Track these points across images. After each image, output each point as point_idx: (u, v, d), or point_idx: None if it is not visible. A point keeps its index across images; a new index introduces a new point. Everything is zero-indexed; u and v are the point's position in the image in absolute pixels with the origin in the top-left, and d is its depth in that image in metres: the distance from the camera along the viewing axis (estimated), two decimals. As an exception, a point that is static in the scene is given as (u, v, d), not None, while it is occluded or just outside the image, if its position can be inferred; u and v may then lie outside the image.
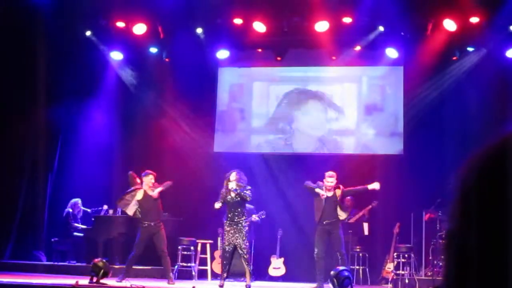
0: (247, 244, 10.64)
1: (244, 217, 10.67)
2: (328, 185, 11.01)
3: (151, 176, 11.42)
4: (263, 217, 12.52)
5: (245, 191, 10.59)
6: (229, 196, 10.65)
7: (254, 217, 12.66)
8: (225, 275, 10.76)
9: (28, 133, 13.76)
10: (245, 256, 10.56)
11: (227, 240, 10.59)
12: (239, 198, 10.58)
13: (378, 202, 13.18)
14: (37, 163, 14.01)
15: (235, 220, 10.59)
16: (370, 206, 13.26)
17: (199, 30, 13.85)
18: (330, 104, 14.74)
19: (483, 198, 0.98)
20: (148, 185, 11.32)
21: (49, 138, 14.26)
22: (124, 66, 14.95)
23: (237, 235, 10.52)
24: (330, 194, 10.99)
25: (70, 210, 13.63)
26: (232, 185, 10.62)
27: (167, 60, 14.60)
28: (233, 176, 10.71)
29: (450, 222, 1.03)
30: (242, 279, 11.66)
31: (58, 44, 13.66)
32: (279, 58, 14.61)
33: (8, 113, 13.39)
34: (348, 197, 13.39)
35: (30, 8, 12.95)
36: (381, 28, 13.31)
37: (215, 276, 12.92)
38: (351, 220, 13.19)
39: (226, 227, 10.69)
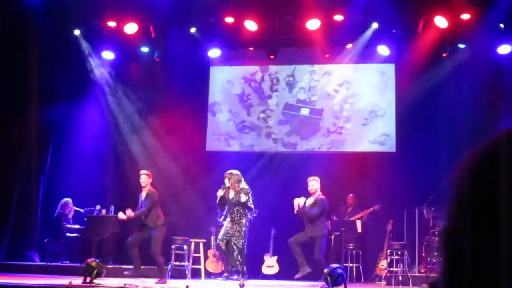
0: (244, 244, 10.58)
1: (244, 217, 10.61)
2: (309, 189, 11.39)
3: (141, 176, 11.53)
4: (255, 215, 12.52)
5: (247, 203, 10.56)
6: (227, 197, 10.60)
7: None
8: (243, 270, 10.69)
9: (20, 134, 13.72)
10: (239, 254, 10.49)
11: (222, 233, 10.56)
12: (237, 200, 10.54)
13: (380, 205, 13.24)
14: (29, 164, 13.96)
15: (235, 219, 10.55)
16: (371, 209, 13.28)
17: (191, 29, 13.83)
18: (322, 103, 14.75)
19: (477, 197, 0.99)
20: (142, 186, 11.45)
21: (41, 139, 14.22)
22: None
23: (234, 231, 10.47)
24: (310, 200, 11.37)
25: (61, 211, 13.61)
26: (231, 194, 10.57)
27: (157, 59, 14.59)
28: (226, 182, 10.67)
29: (445, 221, 1.04)
30: (236, 277, 11.67)
31: (50, 44, 13.62)
32: (272, 57, 14.61)
33: (0, 114, 13.35)
34: (351, 195, 13.50)
35: (22, 9, 12.91)
36: (375, 25, 13.32)
37: (208, 275, 12.94)
38: (352, 218, 13.23)
39: (224, 228, 10.67)
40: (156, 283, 10.94)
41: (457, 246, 1.00)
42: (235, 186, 10.57)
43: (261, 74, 15.09)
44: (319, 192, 11.76)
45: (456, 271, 1.00)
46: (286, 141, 14.74)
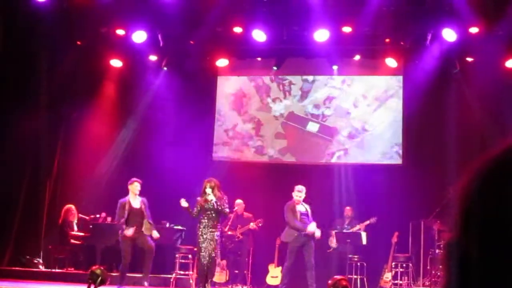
0: (218, 253, 10.54)
1: (218, 226, 10.56)
2: (297, 199, 11.22)
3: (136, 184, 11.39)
4: (260, 225, 12.50)
5: (223, 206, 10.50)
6: (207, 205, 10.54)
7: (252, 225, 12.66)
8: (207, 285, 10.60)
9: (28, 138, 13.74)
10: (209, 265, 10.42)
11: (204, 249, 10.43)
12: (217, 208, 10.47)
13: (377, 217, 13.11)
14: (36, 169, 13.99)
15: (210, 229, 10.47)
16: (368, 222, 13.12)
17: (198, 38, 13.85)
18: (329, 113, 14.75)
19: (484, 208, 0.98)
20: (134, 193, 11.30)
21: (48, 144, 14.24)
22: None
23: (211, 242, 10.39)
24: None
25: (64, 218, 13.57)
26: (211, 197, 10.48)
27: (165, 68, 14.65)
28: (208, 188, 10.59)
29: (450, 232, 1.03)
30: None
31: (59, 48, 13.66)
32: (275, 68, 14.66)
33: (8, 118, 13.38)
34: (348, 208, 13.41)
35: (33, 14, 12.96)
36: (386, 40, 13.37)
37: (213, 284, 12.89)
38: (349, 231, 13.15)
39: (201, 235, 10.50)
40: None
41: (462, 258, 0.99)
42: (219, 193, 10.58)
43: (272, 78, 15.12)
44: None
45: (460, 283, 0.99)
46: (276, 158, 14.78)
